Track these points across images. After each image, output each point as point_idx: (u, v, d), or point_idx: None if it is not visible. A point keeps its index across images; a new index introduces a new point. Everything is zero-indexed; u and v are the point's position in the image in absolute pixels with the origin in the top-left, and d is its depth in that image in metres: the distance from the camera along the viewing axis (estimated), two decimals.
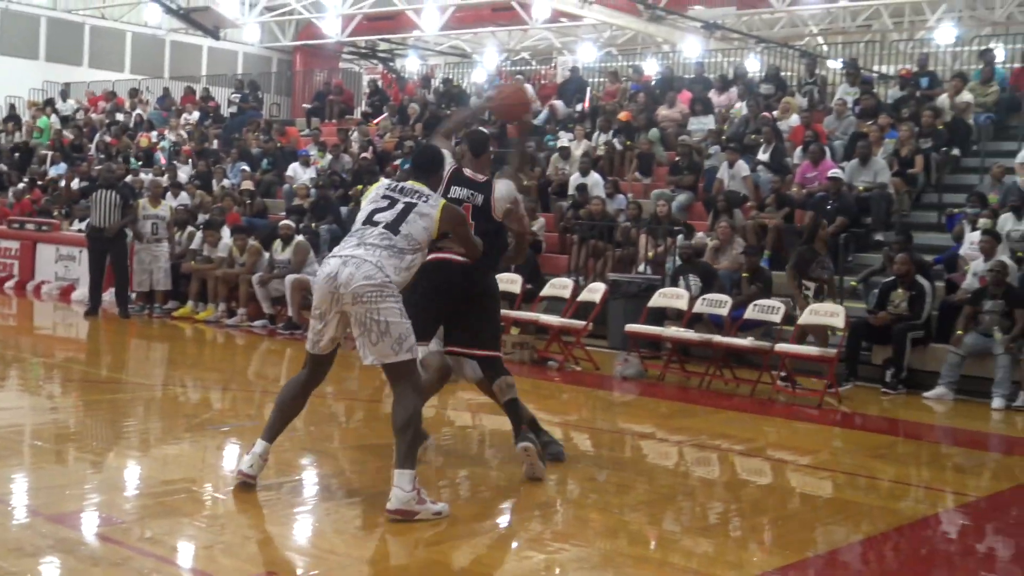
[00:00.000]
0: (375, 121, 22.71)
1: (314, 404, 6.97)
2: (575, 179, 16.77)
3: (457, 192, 6.85)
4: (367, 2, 30.60)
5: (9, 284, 17.64)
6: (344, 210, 16.64)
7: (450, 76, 27.84)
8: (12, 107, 29.25)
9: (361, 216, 6.08)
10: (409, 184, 6.19)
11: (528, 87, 7.96)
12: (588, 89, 22.44)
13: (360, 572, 5.08)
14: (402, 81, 28.06)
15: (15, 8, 32.22)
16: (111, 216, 14.36)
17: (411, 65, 34.03)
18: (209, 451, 7.58)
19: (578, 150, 17.96)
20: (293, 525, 5.76)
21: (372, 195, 6.19)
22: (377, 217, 5.97)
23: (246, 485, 5.97)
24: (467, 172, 7.01)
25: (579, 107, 21.20)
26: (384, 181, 6.62)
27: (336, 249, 6.06)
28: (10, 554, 4.80)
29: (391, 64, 35.17)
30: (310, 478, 6.87)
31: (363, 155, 19.33)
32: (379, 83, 27.48)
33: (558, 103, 21.06)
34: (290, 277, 13.54)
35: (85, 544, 5.17)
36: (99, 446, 7.62)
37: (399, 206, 6.00)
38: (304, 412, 6.42)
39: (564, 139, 18.91)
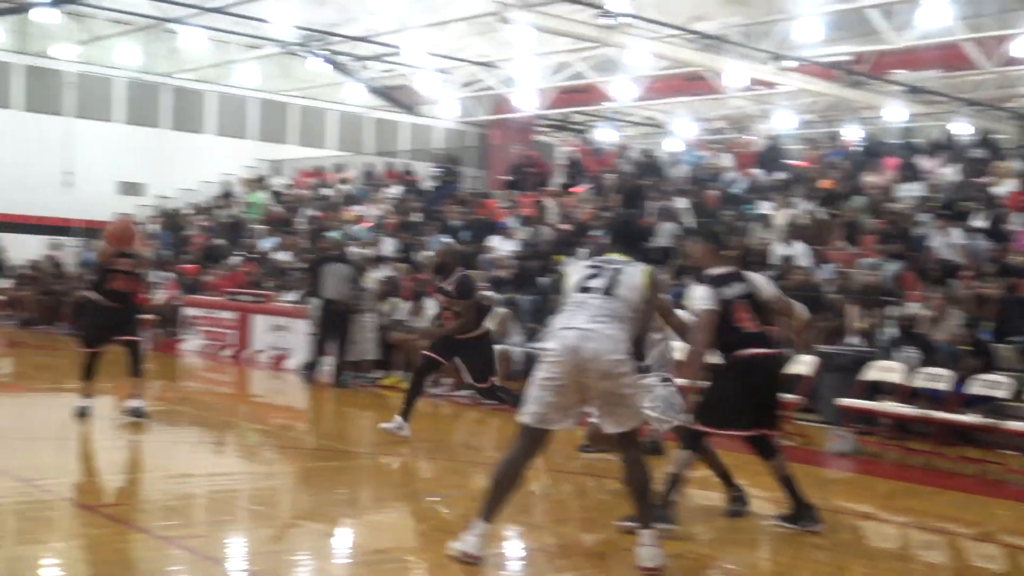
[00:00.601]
0: (573, 191, 22.91)
1: None
2: (778, 249, 16.48)
3: (727, 293, 7.21)
4: (560, 76, 31.09)
5: (226, 353, 18.43)
6: (544, 281, 16.78)
7: (646, 146, 27.88)
8: (226, 184, 30.79)
9: (574, 285, 6.16)
10: (611, 257, 6.29)
11: None
12: (787, 157, 22.15)
13: None
14: (598, 152, 28.29)
15: (228, 91, 34.06)
16: (343, 288, 15.00)
17: (605, 136, 34.28)
18: (419, 520, 7.69)
19: (779, 219, 17.68)
20: None
21: (578, 270, 6.28)
22: (590, 284, 6.07)
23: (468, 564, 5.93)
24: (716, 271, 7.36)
25: (779, 175, 20.93)
26: (584, 261, 6.73)
27: (565, 321, 6.08)
28: None
29: (585, 135, 35.53)
30: (514, 550, 6.84)
31: (562, 226, 19.50)
32: (575, 154, 27.76)
33: (757, 171, 20.85)
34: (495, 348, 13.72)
35: None
36: (312, 512, 7.82)
37: (608, 272, 6.13)
38: None
39: (764, 208, 18.66)
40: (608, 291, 6.04)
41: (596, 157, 26.95)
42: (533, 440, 6.12)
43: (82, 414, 10.27)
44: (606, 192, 21.65)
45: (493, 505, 6.03)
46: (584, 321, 5.95)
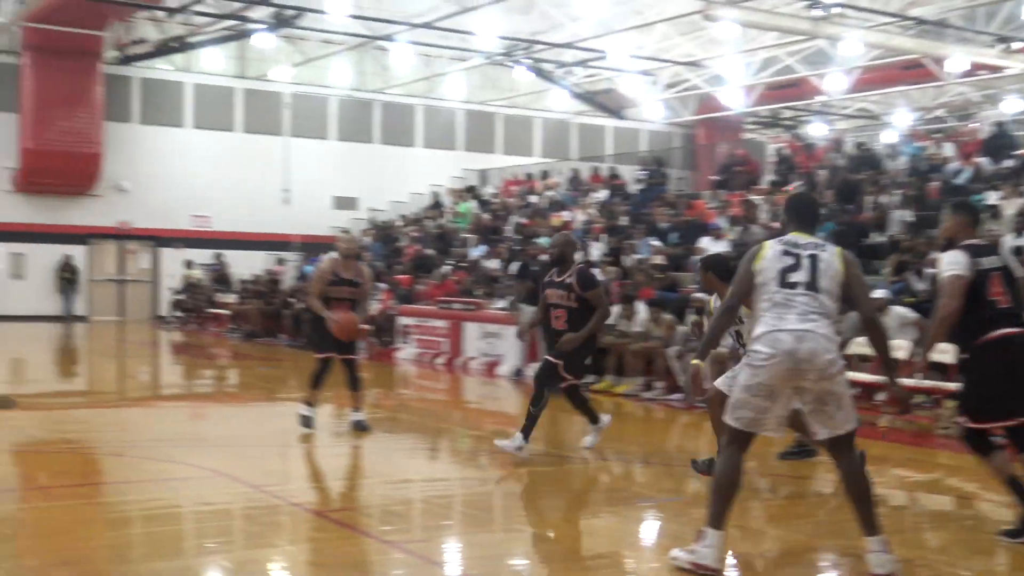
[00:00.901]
0: (785, 189, 22.33)
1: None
2: (1008, 240, 15.59)
3: (984, 263, 6.72)
4: (768, 71, 30.43)
5: (439, 360, 18.78)
6: None
7: (861, 140, 26.95)
8: (436, 195, 31.47)
9: (773, 278, 5.85)
10: (797, 237, 5.96)
11: None
12: (1015, 144, 20.98)
13: None
14: (810, 147, 27.54)
15: (436, 104, 34.84)
16: None
17: (817, 130, 33.38)
18: (634, 525, 7.63)
19: (1009, 209, 16.74)
20: None
21: (769, 256, 5.96)
22: (792, 278, 5.78)
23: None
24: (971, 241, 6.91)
25: (1007, 163, 19.85)
26: (771, 242, 6.15)
27: (774, 322, 5.80)
28: None
29: (796, 131, 34.69)
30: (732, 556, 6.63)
31: (774, 225, 19.02)
32: (786, 151, 27.10)
33: (982, 160, 19.84)
34: None
35: None
36: (526, 516, 7.89)
37: (805, 261, 5.81)
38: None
39: (992, 198, 17.72)
40: (812, 286, 5.75)
41: (808, 153, 26.23)
42: (743, 444, 5.94)
43: (306, 423, 10.60)
44: (819, 188, 21.02)
45: (720, 512, 5.82)
46: (796, 322, 5.69)
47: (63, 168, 29.22)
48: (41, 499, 8.20)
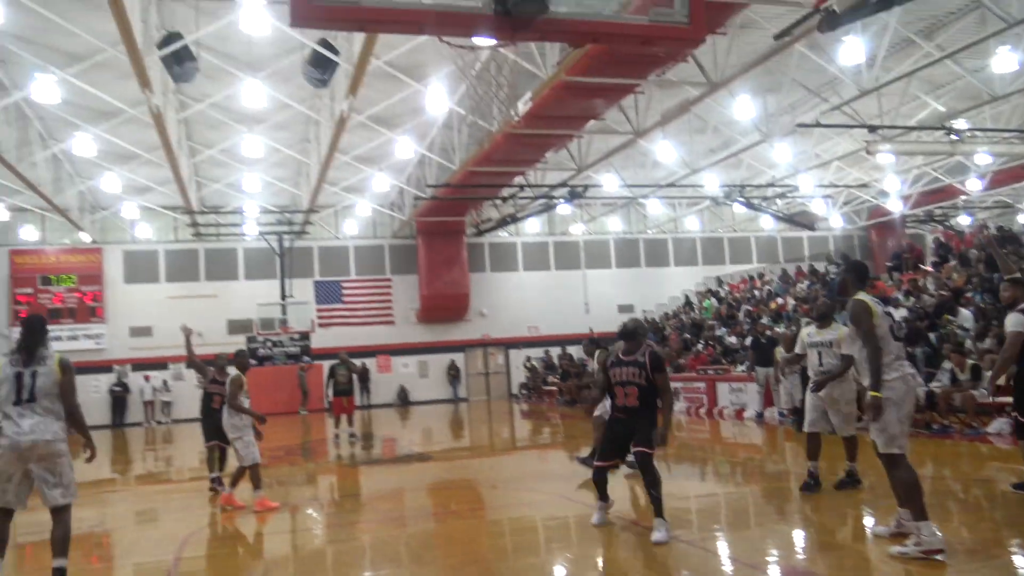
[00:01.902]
0: (944, 266, 20.74)
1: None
2: None
3: None
4: (920, 183, 28.54)
5: (701, 410, 18.49)
6: (932, 336, 15.26)
7: (1000, 224, 24.64)
8: (686, 297, 31.21)
9: (887, 332, 5.64)
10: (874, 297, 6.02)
11: None
12: None
13: None
14: (960, 234, 25.44)
15: (680, 236, 34.73)
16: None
17: (963, 221, 30.78)
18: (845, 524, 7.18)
19: None
20: None
21: (879, 312, 5.62)
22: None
23: None
24: None
25: None
26: (871, 301, 5.64)
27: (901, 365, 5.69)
28: None
29: (947, 223, 32.07)
30: None
31: (941, 293, 17.70)
32: (942, 239, 25.16)
33: None
34: None
35: None
36: (777, 518, 7.52)
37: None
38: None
39: None
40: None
41: (960, 238, 24.22)
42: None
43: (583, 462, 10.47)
44: (971, 263, 19.38)
45: (923, 506, 5.43)
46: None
47: (446, 305, 31.05)
48: (452, 519, 8.33)
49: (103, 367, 27.91)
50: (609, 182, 24.90)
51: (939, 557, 5.30)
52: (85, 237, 28.25)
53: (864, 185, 29.09)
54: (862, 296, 5.67)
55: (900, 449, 5.48)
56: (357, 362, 30.51)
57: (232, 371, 9.69)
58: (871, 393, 5.44)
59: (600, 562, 6.22)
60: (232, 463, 10.09)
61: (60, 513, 5.61)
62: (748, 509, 8.02)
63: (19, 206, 26.60)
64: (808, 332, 8.38)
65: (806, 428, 8.08)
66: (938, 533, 5.39)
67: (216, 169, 25.51)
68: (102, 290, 28.69)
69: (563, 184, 24.16)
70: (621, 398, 6.81)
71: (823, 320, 8.30)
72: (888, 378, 5.46)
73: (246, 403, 9.28)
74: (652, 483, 6.50)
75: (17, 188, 22.67)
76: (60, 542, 5.57)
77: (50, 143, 21.51)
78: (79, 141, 19.07)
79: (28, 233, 28.37)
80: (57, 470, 5.58)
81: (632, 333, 6.89)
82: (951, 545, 5.69)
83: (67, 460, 5.64)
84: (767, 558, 5.99)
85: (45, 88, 15.44)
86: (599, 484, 6.97)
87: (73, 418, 5.64)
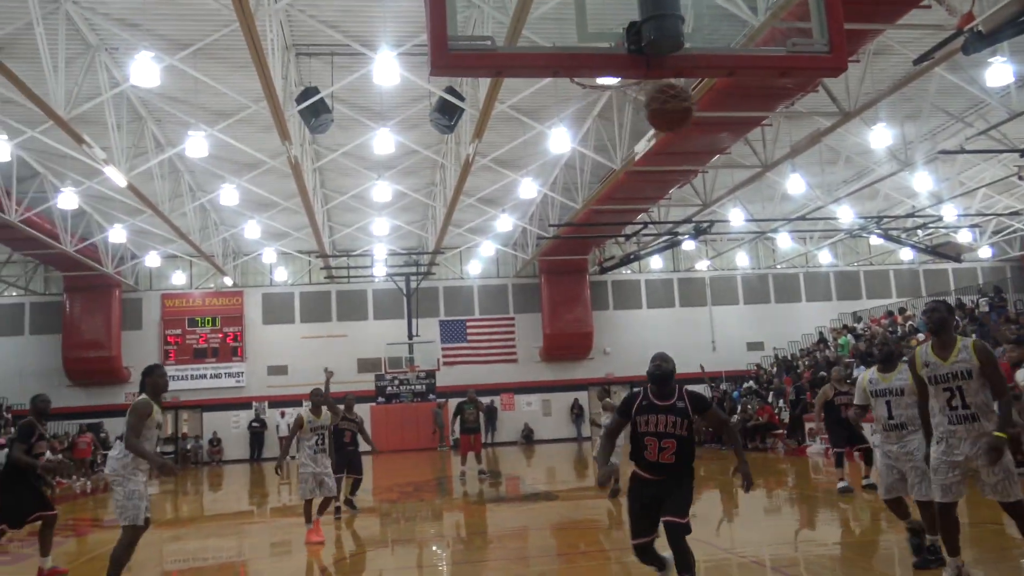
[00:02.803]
0: None
1: None
2: None
3: None
4: None
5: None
6: None
7: None
8: (820, 334, 30.02)
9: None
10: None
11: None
12: None
13: None
14: None
15: (812, 270, 33.52)
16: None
17: None
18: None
19: None
20: None
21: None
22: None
23: None
24: None
25: None
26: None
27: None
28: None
29: None
30: None
31: None
32: None
33: None
34: None
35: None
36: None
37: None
38: None
39: None
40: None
41: None
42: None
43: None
44: None
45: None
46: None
47: (569, 343, 31.08)
48: (580, 559, 8.30)
49: (243, 403, 29.41)
50: (736, 217, 24.40)
51: None
52: (228, 281, 30.00)
53: (1015, 213, 27.27)
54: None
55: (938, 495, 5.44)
56: (483, 400, 31.01)
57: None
58: (996, 434, 5.20)
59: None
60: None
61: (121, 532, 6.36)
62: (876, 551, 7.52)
63: (171, 253, 28.60)
64: (871, 378, 6.83)
65: (884, 495, 6.75)
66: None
67: (347, 214, 26.63)
68: (242, 331, 30.31)
69: (688, 220, 23.86)
70: (654, 453, 5.42)
71: (887, 364, 6.81)
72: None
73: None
74: (687, 566, 5.25)
75: (169, 237, 24.42)
76: (109, 556, 6.29)
77: (199, 194, 23.10)
78: (224, 192, 20.38)
79: (178, 278, 30.44)
80: (114, 496, 6.44)
81: (668, 376, 5.50)
82: None
83: (120, 489, 6.34)
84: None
85: (196, 144, 16.62)
86: (649, 561, 5.68)
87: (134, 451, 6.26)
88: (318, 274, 30.71)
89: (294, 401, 29.69)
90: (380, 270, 29.66)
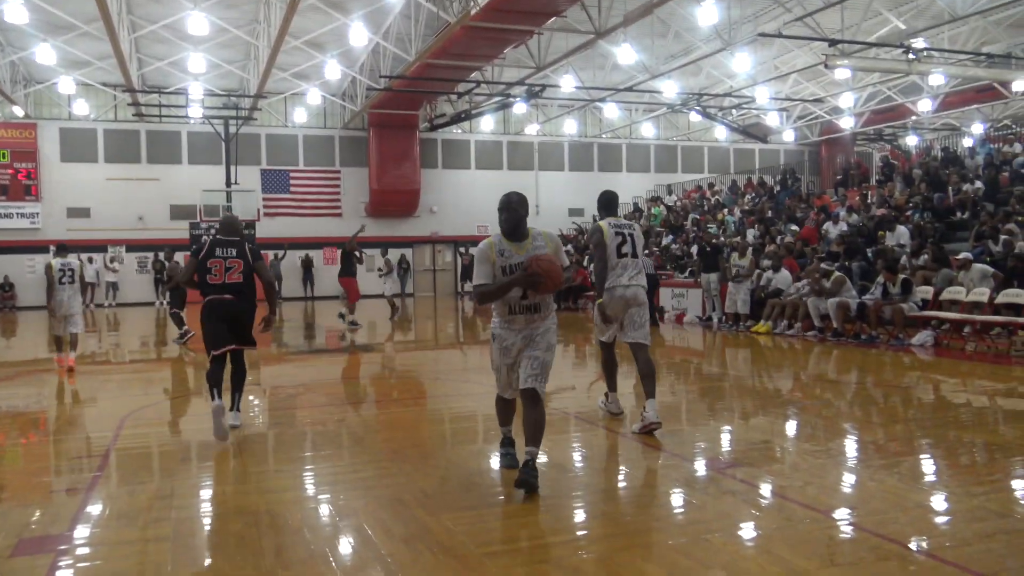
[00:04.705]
0: (888, 184, 21.12)
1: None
2: None
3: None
4: (873, 101, 28.71)
5: None
6: (870, 251, 15.67)
7: (946, 145, 25.10)
8: (635, 204, 31.39)
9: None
10: (619, 220, 6.80)
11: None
12: None
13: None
14: (907, 154, 25.84)
15: (634, 142, 34.62)
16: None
17: (911, 141, 31.22)
18: (778, 423, 7.50)
19: None
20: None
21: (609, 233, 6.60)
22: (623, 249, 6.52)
23: None
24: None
25: None
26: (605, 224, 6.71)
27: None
28: (658, 478, 5.16)
29: (895, 143, 32.49)
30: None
31: (880, 211, 18.09)
32: (888, 158, 25.54)
33: None
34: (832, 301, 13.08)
35: (701, 476, 5.39)
36: (706, 418, 7.58)
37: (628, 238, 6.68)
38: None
39: None
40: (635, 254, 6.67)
41: (906, 158, 24.61)
42: None
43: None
44: (914, 182, 19.78)
45: None
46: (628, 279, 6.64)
47: (396, 200, 30.77)
48: (394, 407, 8.55)
49: (39, 247, 27.13)
50: (567, 83, 24.50)
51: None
52: (18, 111, 26.98)
53: (819, 100, 29.16)
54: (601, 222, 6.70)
55: (605, 339, 6.81)
56: (302, 253, 30.27)
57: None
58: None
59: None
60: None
61: None
62: (685, 408, 8.24)
63: None
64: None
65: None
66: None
67: (159, 46, 24.36)
68: (37, 168, 27.62)
69: (520, 82, 23.71)
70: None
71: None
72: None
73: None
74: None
75: None
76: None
77: None
78: (11, 7, 17.91)
79: None
80: None
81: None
82: (867, 445, 6.04)
83: None
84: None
85: None
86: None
87: None
88: (126, 111, 28.23)
89: (98, 246, 27.77)
90: (196, 111, 27.70)
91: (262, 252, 7.22)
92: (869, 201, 19.69)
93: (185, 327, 14.58)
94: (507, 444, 5.58)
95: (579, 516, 4.62)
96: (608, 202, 6.92)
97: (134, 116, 27.70)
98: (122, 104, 28.16)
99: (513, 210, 5.08)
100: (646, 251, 13.76)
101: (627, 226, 6.70)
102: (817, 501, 4.70)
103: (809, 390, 9.02)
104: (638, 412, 6.91)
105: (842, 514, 4.51)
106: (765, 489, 4.96)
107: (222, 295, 6.62)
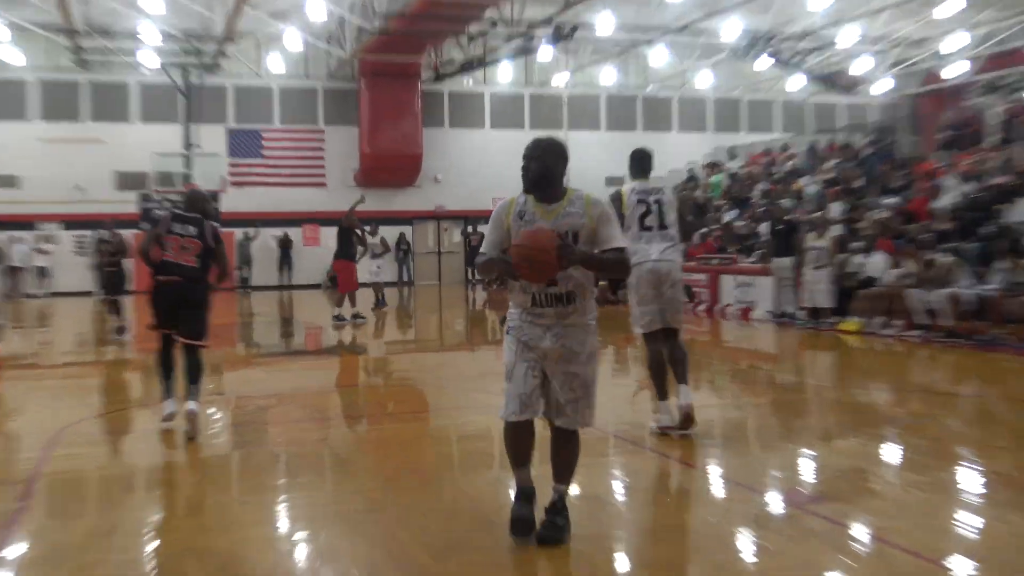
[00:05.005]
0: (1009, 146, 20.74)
1: None
2: None
3: None
4: (988, 43, 28.31)
5: (700, 308, 18.68)
6: (987, 230, 15.37)
7: None
8: (691, 171, 31.14)
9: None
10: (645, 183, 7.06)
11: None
12: None
13: None
14: None
15: (687, 94, 34.41)
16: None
17: None
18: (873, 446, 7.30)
19: None
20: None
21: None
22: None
23: None
24: None
25: None
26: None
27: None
28: (722, 514, 5.03)
29: (1016, 95, 32.00)
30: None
31: (1001, 179, 17.75)
32: (1008, 113, 25.11)
33: None
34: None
35: (777, 513, 5.26)
36: (782, 439, 7.54)
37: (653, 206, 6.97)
38: None
39: None
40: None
41: None
42: None
43: None
44: None
45: None
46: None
47: (392, 166, 30.77)
48: (388, 423, 8.64)
49: None
50: (604, 22, 24.31)
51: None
52: None
53: (919, 42, 28.80)
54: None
55: (642, 328, 6.97)
56: (279, 231, 30.38)
57: None
58: None
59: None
60: None
61: None
62: (747, 424, 8.12)
63: None
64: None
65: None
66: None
67: None
68: None
69: (546, 21, 23.58)
70: None
71: None
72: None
73: None
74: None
75: None
76: None
77: None
78: None
79: None
80: None
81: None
82: (992, 476, 5.93)
83: None
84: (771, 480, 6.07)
85: None
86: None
87: None
88: (64, 58, 28.40)
89: (27, 223, 27.96)
90: (150, 58, 27.85)
91: (227, 230, 7.43)
92: (985, 167, 19.34)
93: (123, 319, 14.62)
94: (524, 498, 4.64)
95: (621, 563, 4.54)
96: (639, 160, 7.05)
97: (74, 64, 27.87)
98: (60, 50, 28.32)
99: (538, 158, 4.61)
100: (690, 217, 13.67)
101: (655, 191, 6.84)
102: (928, 547, 4.55)
103: (913, 405, 8.90)
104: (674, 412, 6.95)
105: (962, 565, 4.37)
106: (859, 530, 4.84)
107: (171, 277, 7.21)
